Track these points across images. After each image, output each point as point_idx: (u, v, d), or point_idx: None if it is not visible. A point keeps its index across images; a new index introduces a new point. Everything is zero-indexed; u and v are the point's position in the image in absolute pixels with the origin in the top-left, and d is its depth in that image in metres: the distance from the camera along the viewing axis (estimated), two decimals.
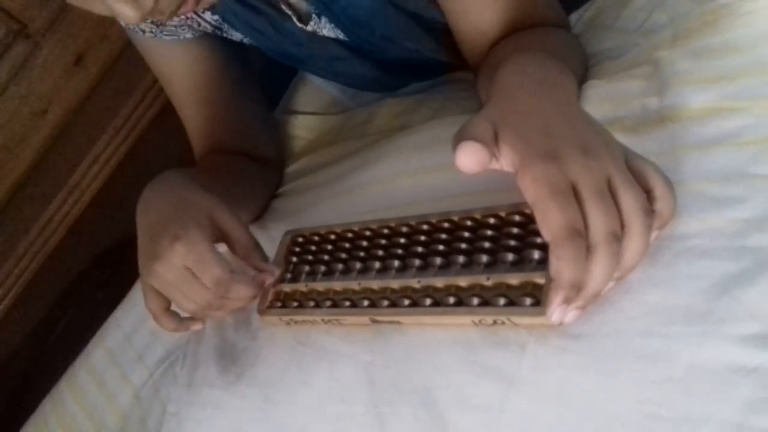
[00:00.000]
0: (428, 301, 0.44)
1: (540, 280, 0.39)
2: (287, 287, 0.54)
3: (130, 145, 1.09)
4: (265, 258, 0.56)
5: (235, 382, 0.54)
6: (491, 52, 0.55)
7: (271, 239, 0.63)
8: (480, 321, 0.41)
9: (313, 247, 0.55)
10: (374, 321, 0.47)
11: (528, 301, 0.38)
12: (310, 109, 0.85)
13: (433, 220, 0.48)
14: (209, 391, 0.56)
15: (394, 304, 0.46)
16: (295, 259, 0.56)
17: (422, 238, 0.48)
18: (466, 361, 0.41)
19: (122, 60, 1.04)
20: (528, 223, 0.42)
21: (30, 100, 0.99)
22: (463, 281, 0.43)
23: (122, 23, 0.63)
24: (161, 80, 0.74)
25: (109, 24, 0.98)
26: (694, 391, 0.32)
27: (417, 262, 0.47)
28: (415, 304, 0.45)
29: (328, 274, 0.53)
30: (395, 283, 0.47)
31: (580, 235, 0.34)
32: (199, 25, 0.68)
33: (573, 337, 0.37)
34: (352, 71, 0.72)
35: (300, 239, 0.57)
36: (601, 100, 0.48)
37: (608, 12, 0.62)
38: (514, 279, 0.41)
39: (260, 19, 0.65)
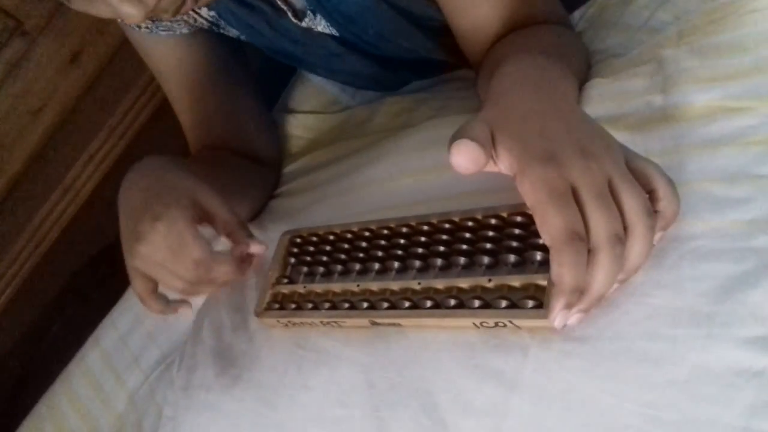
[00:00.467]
0: (429, 303, 0.43)
1: (542, 281, 0.39)
2: (285, 288, 0.54)
3: (125, 145, 1.08)
4: (250, 235, 0.57)
5: (232, 385, 0.53)
6: (490, 51, 0.55)
7: (269, 240, 0.63)
8: (481, 323, 0.40)
9: (312, 248, 0.55)
10: (374, 323, 0.46)
11: (530, 303, 0.38)
12: (310, 108, 0.84)
13: (434, 221, 0.47)
14: (206, 394, 0.55)
15: (393, 306, 0.45)
16: (293, 260, 0.56)
17: (422, 238, 0.47)
18: (468, 365, 0.40)
19: (118, 58, 1.03)
20: (530, 224, 0.42)
21: (25, 98, 0.98)
22: (464, 283, 0.43)
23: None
24: (157, 76, 0.73)
25: (105, 22, 0.97)
26: (697, 394, 0.32)
27: (417, 263, 0.46)
28: (415, 306, 0.44)
29: (327, 275, 0.52)
30: (395, 285, 0.47)
31: (581, 238, 0.34)
32: (195, 21, 0.67)
33: (576, 340, 0.37)
34: (350, 68, 0.72)
35: (298, 240, 0.56)
36: (604, 97, 0.48)
37: (612, 9, 0.61)
38: (515, 281, 0.40)
39: (256, 16, 0.64)
